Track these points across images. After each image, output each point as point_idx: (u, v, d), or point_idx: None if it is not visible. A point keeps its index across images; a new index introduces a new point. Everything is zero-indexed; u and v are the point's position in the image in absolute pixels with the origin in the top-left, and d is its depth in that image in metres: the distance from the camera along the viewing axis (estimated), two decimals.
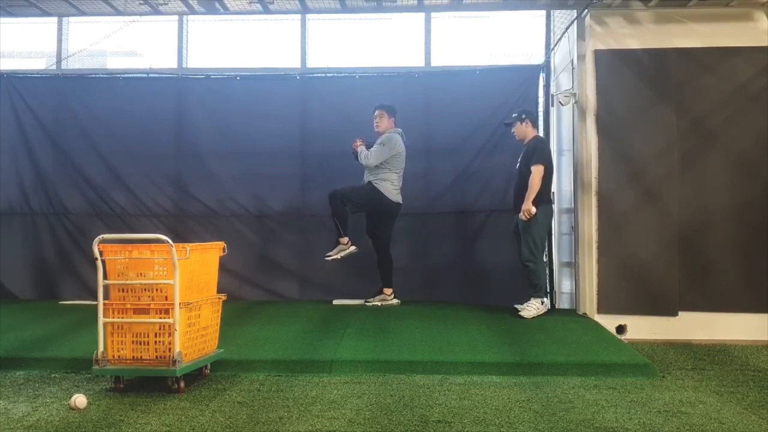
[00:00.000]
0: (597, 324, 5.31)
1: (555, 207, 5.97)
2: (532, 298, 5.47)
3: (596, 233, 5.52)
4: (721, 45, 5.48)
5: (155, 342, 3.64)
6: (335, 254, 5.82)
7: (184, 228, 6.48)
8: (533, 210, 5.36)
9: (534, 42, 6.74)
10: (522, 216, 5.41)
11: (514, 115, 5.77)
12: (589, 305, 5.56)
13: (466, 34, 6.93)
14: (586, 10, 5.67)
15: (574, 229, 5.92)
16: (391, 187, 5.85)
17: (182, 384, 3.65)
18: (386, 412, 3.32)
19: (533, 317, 5.36)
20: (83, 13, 6.32)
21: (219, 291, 4.12)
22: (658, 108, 5.50)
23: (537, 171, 5.42)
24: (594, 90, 5.61)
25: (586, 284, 5.61)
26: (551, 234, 6.09)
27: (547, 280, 5.95)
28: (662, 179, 5.47)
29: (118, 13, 6.22)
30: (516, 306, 5.54)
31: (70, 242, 6.63)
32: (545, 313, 5.46)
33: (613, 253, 5.49)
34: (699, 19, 5.54)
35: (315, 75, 6.72)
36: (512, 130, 5.75)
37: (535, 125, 5.76)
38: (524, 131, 5.67)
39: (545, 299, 5.67)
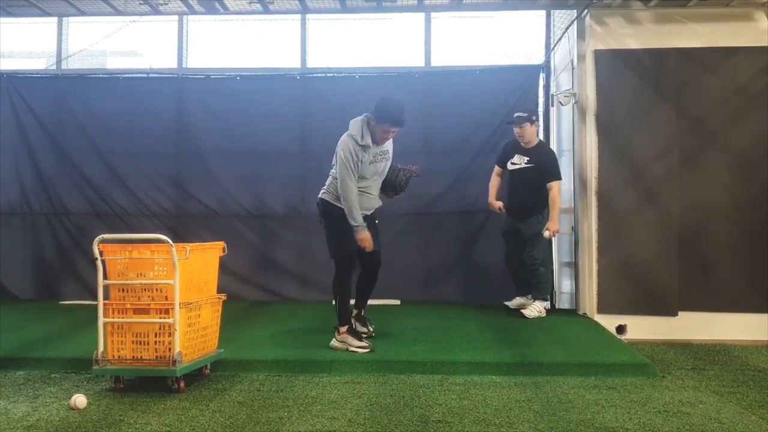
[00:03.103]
0: (597, 324, 5.31)
1: None
2: (535, 301, 5.48)
3: (596, 233, 5.52)
4: (721, 45, 5.48)
5: (155, 342, 3.64)
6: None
7: (184, 228, 6.46)
8: (559, 229, 5.38)
9: (534, 42, 6.74)
10: (548, 235, 5.32)
11: (523, 115, 5.45)
12: (589, 305, 5.56)
13: (466, 34, 6.92)
14: (586, 10, 5.67)
15: (574, 229, 5.93)
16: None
17: (182, 384, 3.65)
18: (386, 412, 3.32)
19: (534, 317, 5.37)
20: (83, 13, 6.32)
21: (219, 291, 4.12)
22: (658, 108, 5.50)
23: (558, 186, 5.35)
24: (594, 90, 5.60)
25: (586, 284, 5.62)
26: None
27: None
28: (662, 179, 5.47)
29: (118, 13, 6.22)
30: (506, 302, 5.60)
31: (70, 242, 6.62)
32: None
33: (613, 253, 5.48)
34: (699, 19, 5.53)
35: (315, 75, 6.71)
36: (517, 129, 5.45)
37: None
38: (533, 134, 5.48)
39: (547, 304, 5.68)
